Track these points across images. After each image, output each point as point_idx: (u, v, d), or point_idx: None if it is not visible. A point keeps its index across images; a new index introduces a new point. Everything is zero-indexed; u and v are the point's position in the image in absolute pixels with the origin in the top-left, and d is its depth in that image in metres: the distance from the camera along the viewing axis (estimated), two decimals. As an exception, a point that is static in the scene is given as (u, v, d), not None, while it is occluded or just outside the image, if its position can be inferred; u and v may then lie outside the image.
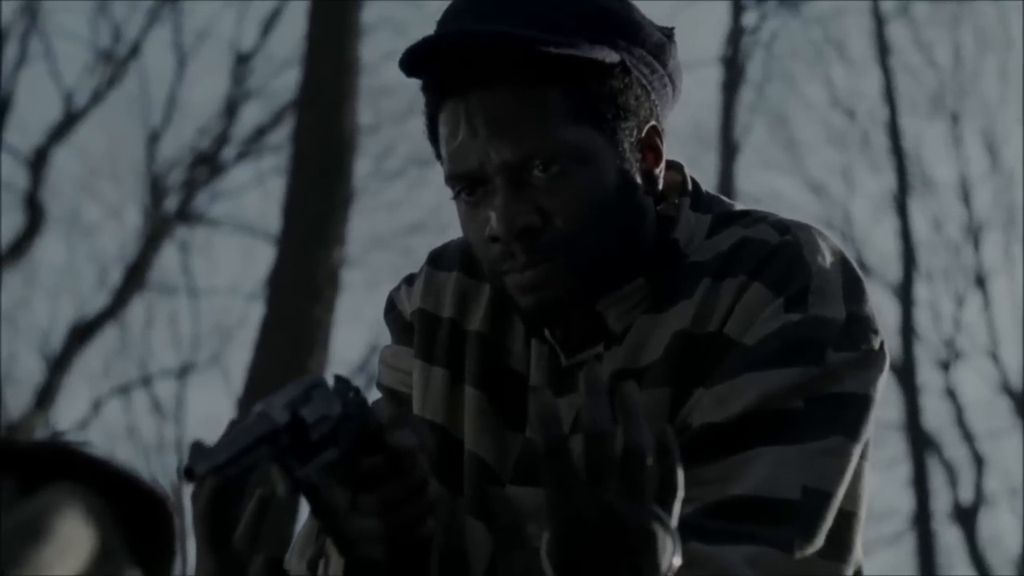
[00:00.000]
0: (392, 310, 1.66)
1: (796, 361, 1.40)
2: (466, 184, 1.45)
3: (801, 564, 1.36)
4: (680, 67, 1.54)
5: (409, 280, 1.65)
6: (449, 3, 1.50)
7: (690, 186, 1.54)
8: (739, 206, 1.54)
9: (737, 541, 1.33)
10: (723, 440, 1.39)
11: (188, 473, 1.09)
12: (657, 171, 1.49)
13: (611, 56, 1.44)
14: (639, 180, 1.47)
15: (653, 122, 1.49)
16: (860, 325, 1.43)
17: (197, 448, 1.10)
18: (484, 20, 1.44)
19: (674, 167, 1.54)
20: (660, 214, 1.52)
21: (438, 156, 1.48)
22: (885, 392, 1.46)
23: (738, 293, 1.43)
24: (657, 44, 1.50)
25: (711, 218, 1.51)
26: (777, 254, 1.45)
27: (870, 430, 1.44)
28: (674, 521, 1.14)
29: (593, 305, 1.47)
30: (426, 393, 1.58)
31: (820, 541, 1.38)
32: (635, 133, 1.47)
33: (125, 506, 0.79)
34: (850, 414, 1.41)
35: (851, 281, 1.46)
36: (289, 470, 1.20)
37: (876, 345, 1.44)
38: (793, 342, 1.40)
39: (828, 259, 1.46)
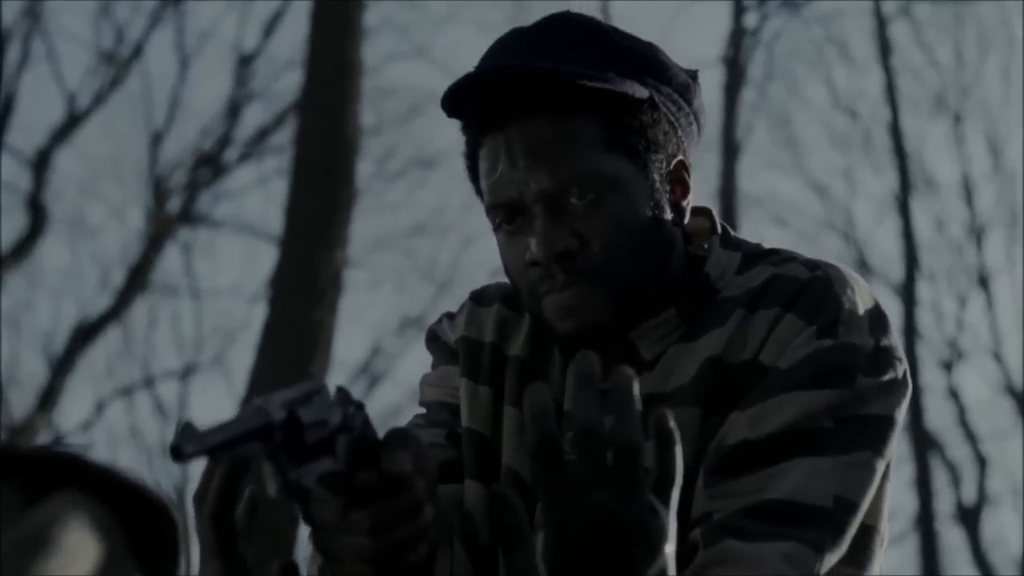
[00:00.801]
0: (435, 339, 1.73)
1: (829, 384, 1.47)
2: (505, 214, 1.53)
3: (827, 567, 1.42)
4: (704, 107, 1.63)
5: (450, 316, 1.73)
6: (488, 46, 1.58)
7: (719, 228, 1.62)
8: (766, 245, 1.62)
9: (772, 539, 1.39)
10: (758, 455, 1.45)
11: (175, 452, 1.06)
12: (685, 203, 1.58)
13: (641, 92, 1.52)
14: (668, 210, 1.55)
15: (680, 156, 1.57)
16: (886, 354, 1.51)
17: (187, 429, 1.07)
18: (521, 58, 1.53)
19: (703, 213, 1.63)
20: (690, 253, 1.59)
21: (478, 192, 1.57)
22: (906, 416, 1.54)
23: (772, 324, 1.50)
24: (683, 84, 1.59)
25: (741, 255, 1.59)
26: (809, 288, 1.51)
27: (893, 451, 1.51)
28: (671, 512, 1.13)
29: (627, 331, 1.54)
30: (473, 407, 1.65)
31: (845, 548, 1.44)
32: (664, 166, 1.55)
33: (129, 513, 0.79)
34: (876, 434, 1.48)
35: (877, 315, 1.53)
36: (281, 470, 1.18)
37: (900, 374, 1.51)
38: (826, 366, 1.47)
39: (857, 294, 1.52)
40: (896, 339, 1.53)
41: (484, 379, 1.65)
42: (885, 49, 15.48)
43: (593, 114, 1.50)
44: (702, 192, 1.64)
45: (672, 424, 1.12)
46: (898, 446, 1.52)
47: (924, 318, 15.32)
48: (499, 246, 1.56)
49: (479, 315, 1.69)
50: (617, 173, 1.50)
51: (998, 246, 20.10)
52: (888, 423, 1.49)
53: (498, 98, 1.51)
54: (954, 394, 15.36)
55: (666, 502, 1.12)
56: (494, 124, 1.52)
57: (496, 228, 1.55)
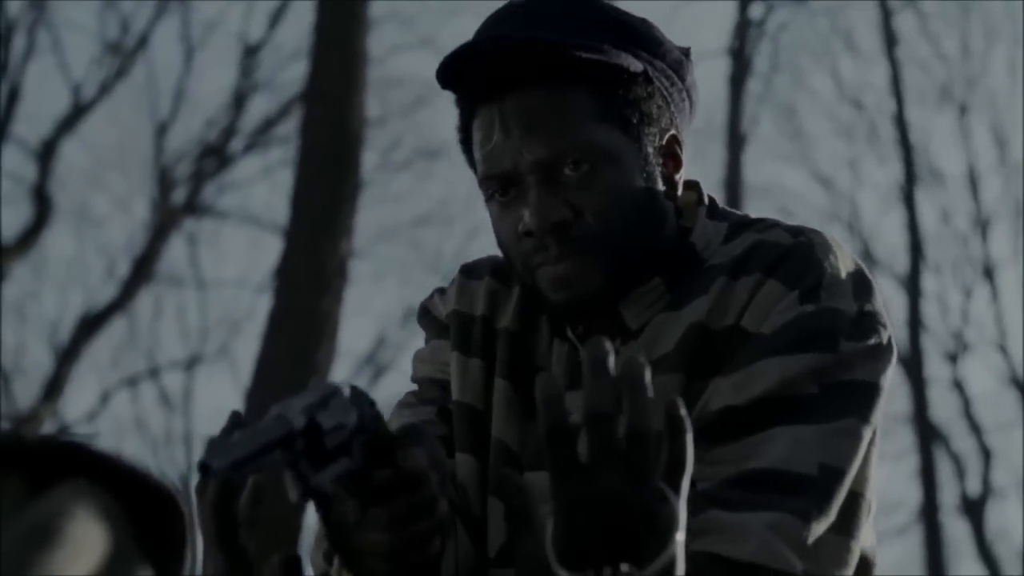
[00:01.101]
0: (426, 315, 1.73)
1: (812, 348, 1.46)
2: (499, 184, 1.52)
3: (815, 535, 1.41)
4: (696, 84, 1.63)
5: (440, 291, 1.73)
6: (484, 18, 1.58)
7: (706, 200, 1.62)
8: (753, 216, 1.61)
9: (758, 508, 1.38)
10: (742, 421, 1.44)
11: (204, 468, 1.09)
12: (677, 177, 1.58)
13: (635, 65, 1.52)
14: (661, 184, 1.55)
15: (673, 131, 1.58)
16: (870, 319, 1.49)
17: (213, 444, 1.11)
18: (517, 30, 1.53)
19: (691, 186, 1.62)
20: (680, 225, 1.59)
21: (471, 164, 1.57)
22: (893, 385, 1.52)
23: (754, 289, 1.50)
24: (676, 60, 1.59)
25: (727, 226, 1.59)
26: (791, 253, 1.51)
27: (880, 418, 1.49)
28: (682, 500, 1.13)
29: (617, 302, 1.54)
30: (464, 380, 1.65)
31: (834, 516, 1.43)
32: (657, 139, 1.55)
33: (135, 503, 0.79)
34: (862, 400, 1.47)
35: (860, 280, 1.52)
36: (303, 476, 1.20)
37: (885, 339, 1.50)
38: (809, 331, 1.46)
39: (839, 259, 1.52)
40: (880, 304, 1.52)
41: (475, 352, 1.65)
42: (891, 40, 15.46)
43: (588, 86, 1.50)
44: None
45: (683, 411, 1.12)
46: (884, 413, 1.51)
47: (929, 310, 15.35)
48: (492, 217, 1.56)
49: (469, 288, 1.69)
50: (611, 145, 1.50)
51: (1003, 238, 20.09)
52: (873, 389, 1.48)
53: (493, 69, 1.50)
54: (959, 386, 15.35)
55: (677, 489, 1.12)
56: (489, 95, 1.51)
57: (489, 199, 1.54)
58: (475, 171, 1.55)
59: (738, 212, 1.62)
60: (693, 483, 1.38)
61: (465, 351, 1.65)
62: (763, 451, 1.42)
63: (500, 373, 1.63)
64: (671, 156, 1.57)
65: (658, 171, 1.55)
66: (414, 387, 1.71)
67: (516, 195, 1.51)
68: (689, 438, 1.12)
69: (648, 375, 1.10)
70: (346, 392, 1.26)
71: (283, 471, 1.19)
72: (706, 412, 1.46)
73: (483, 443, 1.62)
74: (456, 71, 1.52)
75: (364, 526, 1.30)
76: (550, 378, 1.11)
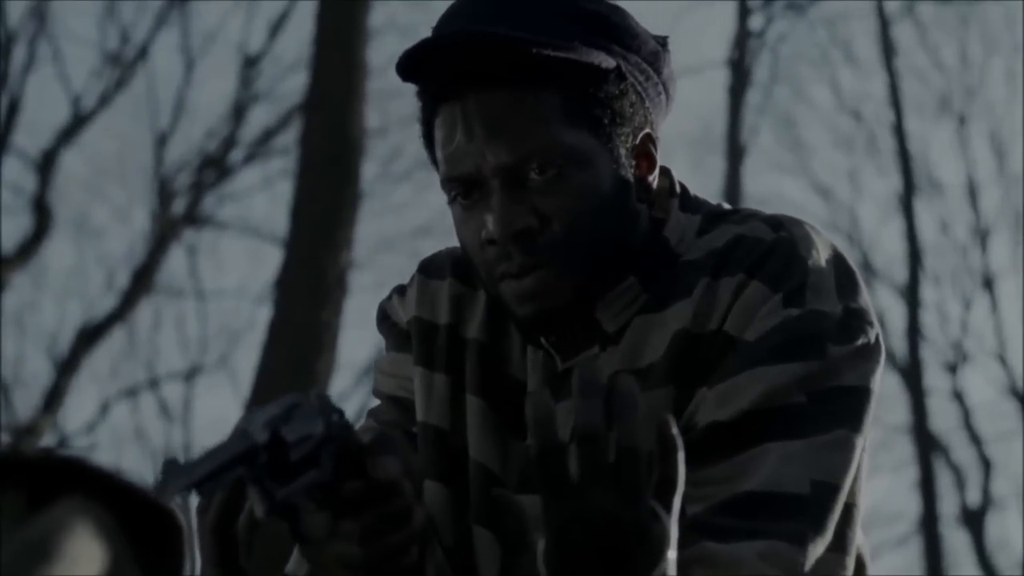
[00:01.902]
0: (386, 319, 1.65)
1: (798, 356, 1.40)
2: (462, 187, 1.44)
3: (811, 558, 1.36)
4: (674, 76, 1.54)
5: (400, 290, 1.65)
6: (446, 8, 1.50)
7: (678, 188, 1.55)
8: (726, 206, 1.55)
9: (749, 537, 1.33)
10: (730, 438, 1.38)
11: (162, 490, 1.05)
12: (651, 178, 1.50)
13: (607, 61, 1.44)
14: (633, 186, 1.48)
15: (647, 129, 1.50)
16: (856, 318, 1.44)
17: (171, 465, 1.07)
18: (480, 23, 1.44)
19: (663, 172, 1.55)
20: (652, 218, 1.52)
21: (433, 162, 1.49)
22: (883, 384, 1.47)
23: (737, 291, 1.44)
24: (652, 52, 1.51)
25: (700, 217, 1.52)
26: (773, 251, 1.45)
27: (871, 423, 1.44)
28: (673, 518, 1.12)
29: (590, 310, 1.48)
30: (429, 399, 1.57)
31: (830, 535, 1.38)
32: (630, 139, 1.47)
33: (134, 520, 0.79)
34: (852, 407, 1.42)
35: (845, 276, 1.46)
36: (268, 491, 1.17)
37: (872, 338, 1.44)
38: (794, 337, 1.41)
39: (822, 254, 1.46)
40: (867, 299, 1.46)
41: (440, 366, 1.57)
42: (889, 51, 15.47)
43: (556, 85, 1.42)
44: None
45: (675, 431, 1.12)
46: (884, 427, 1.48)
47: (928, 320, 15.33)
48: (455, 221, 1.47)
49: (430, 289, 1.60)
50: (580, 147, 1.42)
51: (1002, 248, 20.09)
52: (863, 393, 1.42)
53: (455, 65, 1.42)
54: (958, 396, 15.33)
55: (668, 508, 1.12)
56: (452, 91, 1.43)
57: (451, 201, 1.46)
58: (437, 169, 1.48)
59: (711, 201, 1.56)
60: (683, 507, 1.36)
61: (429, 365, 1.58)
62: (752, 471, 1.36)
63: (471, 389, 1.55)
64: (645, 156, 1.49)
65: (631, 173, 1.47)
66: (376, 402, 1.64)
67: (479, 199, 1.43)
68: (681, 456, 1.12)
69: (639, 395, 1.10)
70: (312, 402, 1.23)
71: (247, 487, 1.17)
72: (692, 427, 1.40)
73: (453, 467, 1.55)
74: (417, 65, 1.44)
75: (335, 539, 1.27)
76: (542, 396, 1.10)
